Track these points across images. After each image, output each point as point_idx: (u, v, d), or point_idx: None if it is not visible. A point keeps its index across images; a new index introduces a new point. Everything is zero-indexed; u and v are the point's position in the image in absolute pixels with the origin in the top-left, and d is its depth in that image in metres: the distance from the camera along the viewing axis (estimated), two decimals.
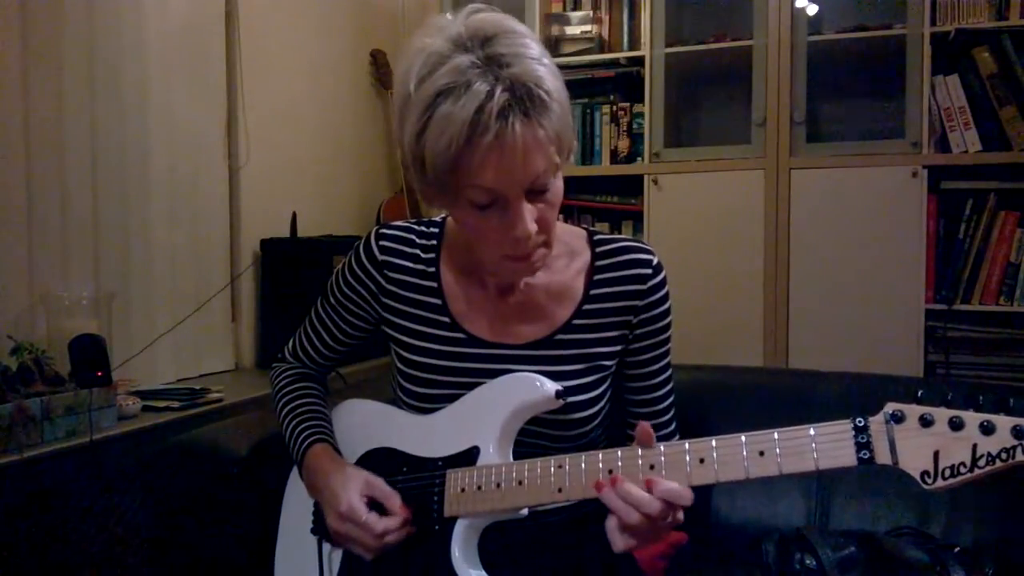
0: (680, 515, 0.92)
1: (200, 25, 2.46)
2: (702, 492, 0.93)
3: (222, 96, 2.55)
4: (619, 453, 0.97)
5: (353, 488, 1.09)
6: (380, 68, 3.25)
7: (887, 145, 2.63)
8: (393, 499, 1.08)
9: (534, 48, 0.98)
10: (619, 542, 0.93)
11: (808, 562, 1.32)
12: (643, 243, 1.17)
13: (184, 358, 2.41)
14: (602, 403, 1.15)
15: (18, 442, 1.63)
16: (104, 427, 1.81)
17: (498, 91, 0.93)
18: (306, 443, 1.18)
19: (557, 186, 1.02)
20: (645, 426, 0.96)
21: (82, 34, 2.09)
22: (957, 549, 1.34)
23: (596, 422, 1.14)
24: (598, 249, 1.16)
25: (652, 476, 0.92)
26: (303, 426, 1.20)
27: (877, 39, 2.67)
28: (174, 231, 2.38)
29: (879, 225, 2.59)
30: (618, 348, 1.15)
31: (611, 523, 0.93)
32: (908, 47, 2.56)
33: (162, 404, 2.03)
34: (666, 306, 1.16)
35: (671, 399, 1.20)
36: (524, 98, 0.94)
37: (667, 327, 1.17)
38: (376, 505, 1.08)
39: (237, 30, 2.57)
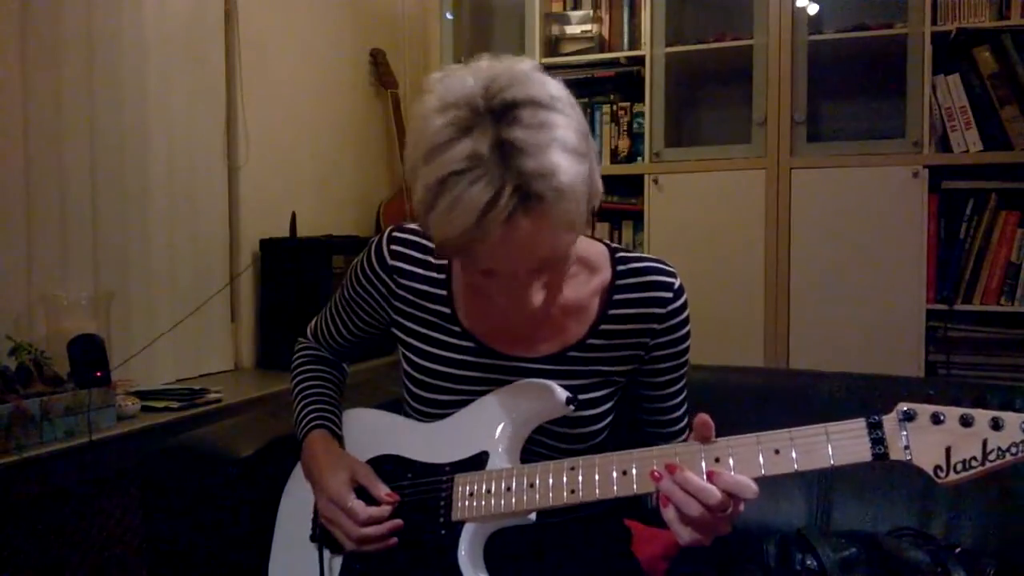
0: (742, 506, 0.89)
1: (199, 25, 2.45)
2: None
3: (221, 96, 2.54)
4: (634, 454, 0.96)
5: (342, 473, 1.11)
6: (380, 68, 3.24)
7: (888, 145, 2.62)
8: (378, 486, 1.09)
9: (558, 119, 0.89)
10: (684, 535, 0.90)
11: (809, 563, 1.32)
12: (666, 264, 1.14)
13: (183, 358, 2.40)
14: (610, 415, 1.14)
15: (17, 442, 1.63)
16: (103, 427, 1.81)
17: (505, 195, 0.84)
18: (306, 428, 1.20)
19: (571, 250, 0.97)
20: (704, 417, 0.93)
21: (81, 34, 2.08)
22: (958, 550, 1.33)
23: (605, 432, 1.14)
24: (619, 268, 1.12)
25: (715, 468, 0.90)
26: (307, 411, 1.23)
27: (878, 38, 2.67)
28: (173, 231, 2.37)
29: (880, 225, 2.59)
30: (631, 367, 1.13)
31: (671, 514, 0.90)
32: (909, 46, 2.56)
33: (161, 404, 2.03)
34: (685, 330, 1.13)
35: (684, 416, 1.19)
36: (533, 196, 0.85)
37: (685, 350, 1.15)
38: (369, 499, 1.09)
39: (236, 30, 2.57)
